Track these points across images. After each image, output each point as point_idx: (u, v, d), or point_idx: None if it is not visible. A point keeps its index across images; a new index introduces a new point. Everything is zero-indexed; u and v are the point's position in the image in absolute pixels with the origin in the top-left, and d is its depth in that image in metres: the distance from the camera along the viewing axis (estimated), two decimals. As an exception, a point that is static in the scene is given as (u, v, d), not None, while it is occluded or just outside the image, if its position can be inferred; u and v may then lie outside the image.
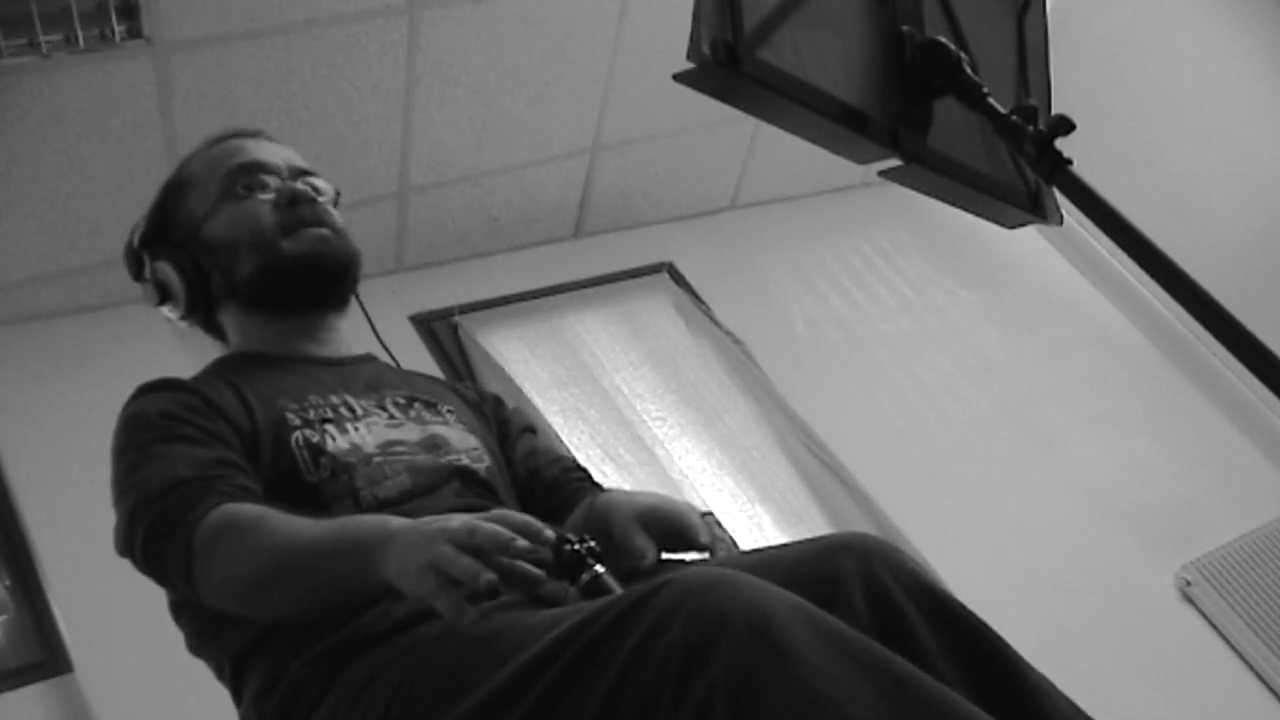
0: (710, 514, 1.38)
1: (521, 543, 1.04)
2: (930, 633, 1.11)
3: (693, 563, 1.33)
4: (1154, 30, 4.06)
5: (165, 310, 1.56)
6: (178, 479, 1.26)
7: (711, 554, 1.33)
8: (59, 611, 2.53)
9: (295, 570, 1.18)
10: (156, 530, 1.25)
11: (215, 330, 1.57)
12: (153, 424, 1.35)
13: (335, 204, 1.56)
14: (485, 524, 1.05)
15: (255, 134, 1.59)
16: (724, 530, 1.39)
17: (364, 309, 1.61)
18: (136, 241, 1.57)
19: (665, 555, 1.32)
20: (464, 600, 1.02)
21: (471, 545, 1.03)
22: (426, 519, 1.11)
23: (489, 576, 1.01)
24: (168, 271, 1.52)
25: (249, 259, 1.48)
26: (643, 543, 1.31)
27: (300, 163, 1.57)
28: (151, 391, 1.41)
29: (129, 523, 1.28)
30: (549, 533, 1.08)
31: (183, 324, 1.57)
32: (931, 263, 4.13)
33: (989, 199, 1.29)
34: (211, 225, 1.50)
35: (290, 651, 1.25)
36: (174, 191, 1.56)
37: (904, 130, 1.17)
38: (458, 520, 1.07)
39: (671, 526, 1.33)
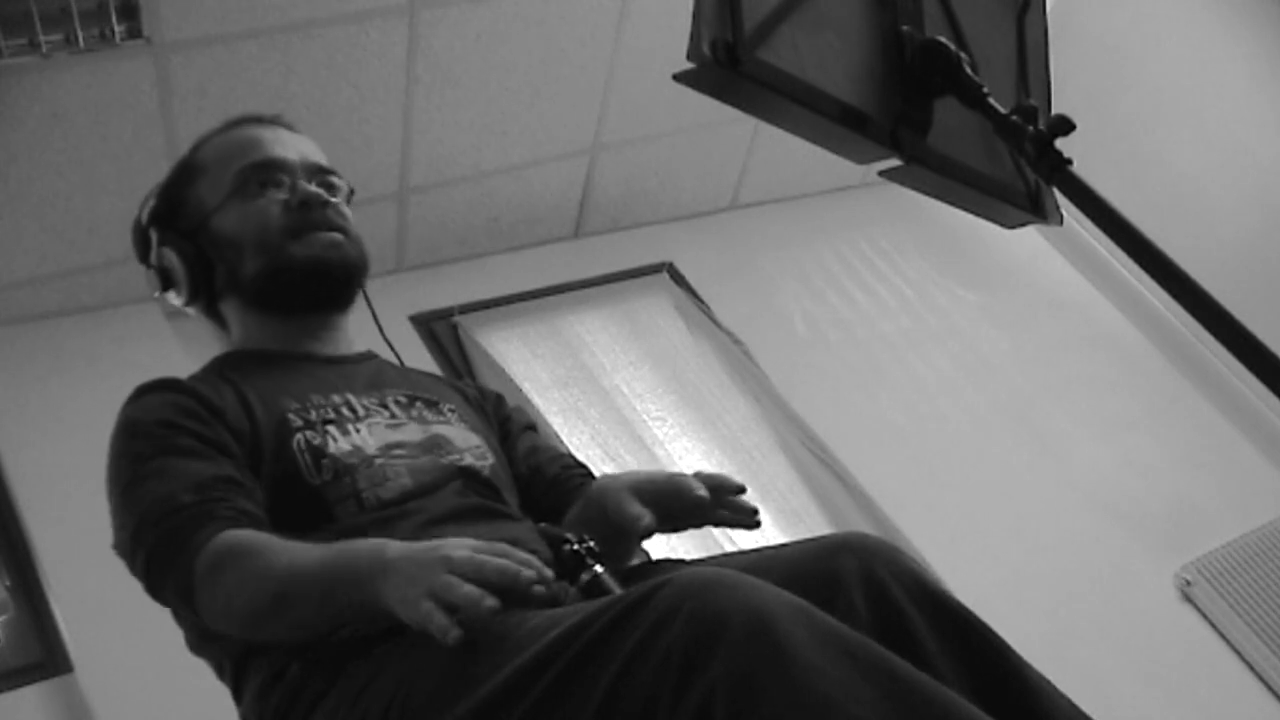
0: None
1: (529, 573, 1.05)
2: (930, 633, 1.11)
3: (692, 562, 1.33)
4: (1154, 31, 4.06)
5: (169, 296, 1.55)
6: (177, 503, 1.26)
7: (711, 503, 1.30)
8: (59, 611, 2.53)
9: (296, 602, 1.19)
10: (158, 556, 1.25)
11: (217, 318, 1.57)
12: (150, 433, 1.34)
13: (349, 201, 1.56)
14: (493, 560, 1.06)
15: (273, 121, 1.58)
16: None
17: (371, 307, 1.60)
18: (146, 218, 1.56)
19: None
20: (455, 623, 1.04)
21: (479, 579, 1.04)
22: (425, 544, 1.12)
23: (491, 603, 1.03)
24: (173, 259, 1.51)
25: (254, 259, 1.47)
26: (637, 509, 1.29)
27: (316, 157, 1.55)
28: (149, 393, 1.41)
29: (131, 545, 1.28)
30: (550, 572, 1.08)
31: (187, 310, 1.57)
32: (931, 263, 4.13)
33: (989, 199, 1.29)
34: (221, 219, 1.49)
35: (291, 651, 1.25)
36: (186, 174, 1.55)
37: (904, 130, 1.16)
38: (460, 552, 1.07)
39: (666, 491, 1.31)
